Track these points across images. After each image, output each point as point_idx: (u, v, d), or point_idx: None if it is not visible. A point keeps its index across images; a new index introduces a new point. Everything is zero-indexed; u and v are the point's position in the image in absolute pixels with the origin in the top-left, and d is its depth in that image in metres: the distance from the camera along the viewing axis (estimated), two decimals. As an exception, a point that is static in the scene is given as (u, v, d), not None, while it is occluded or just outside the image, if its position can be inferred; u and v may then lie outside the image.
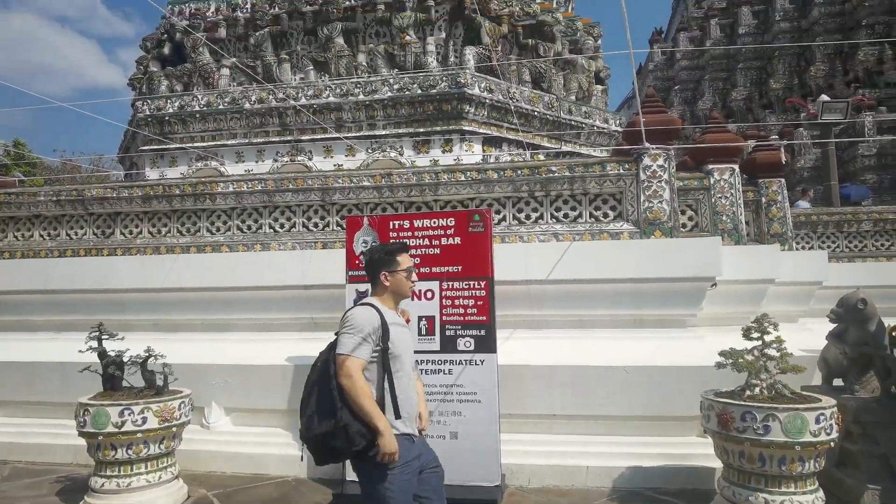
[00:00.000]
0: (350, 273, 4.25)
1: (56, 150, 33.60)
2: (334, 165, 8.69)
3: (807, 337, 4.30)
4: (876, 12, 19.32)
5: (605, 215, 4.93)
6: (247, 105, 8.95)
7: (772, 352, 3.28)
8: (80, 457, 4.37)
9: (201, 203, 5.52)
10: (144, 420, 3.65)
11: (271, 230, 5.42)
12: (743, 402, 3.17)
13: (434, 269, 4.06)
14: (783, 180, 6.17)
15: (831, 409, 3.12)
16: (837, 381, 3.90)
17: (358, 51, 9.23)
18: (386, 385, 2.51)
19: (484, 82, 8.53)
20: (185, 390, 3.99)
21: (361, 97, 8.65)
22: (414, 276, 2.75)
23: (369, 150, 8.74)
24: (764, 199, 6.03)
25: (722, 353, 3.36)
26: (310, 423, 2.44)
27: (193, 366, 4.51)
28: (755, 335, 3.33)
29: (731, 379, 3.42)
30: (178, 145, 9.20)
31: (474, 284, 4.00)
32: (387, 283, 2.66)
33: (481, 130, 8.60)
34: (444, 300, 4.02)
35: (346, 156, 8.82)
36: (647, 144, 4.76)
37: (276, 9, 9.44)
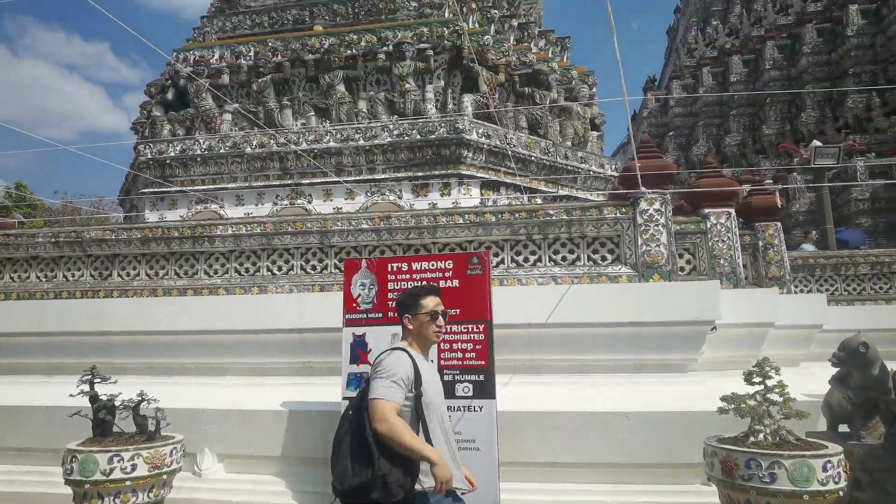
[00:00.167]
0: (347, 316, 4.21)
1: (57, 192, 33.85)
2: (334, 208, 8.75)
3: (809, 381, 4.26)
4: (861, 62, 19.91)
5: (604, 258, 4.94)
6: (248, 149, 9.08)
7: (774, 397, 3.24)
8: (67, 506, 4.23)
9: (200, 245, 5.52)
10: (134, 467, 3.55)
11: (269, 273, 5.42)
12: (747, 449, 3.11)
13: (432, 312, 4.03)
14: (779, 224, 6.22)
15: (838, 456, 3.05)
16: (843, 427, 3.84)
17: (359, 98, 9.43)
18: (421, 435, 2.38)
19: (482, 128, 8.68)
20: (177, 436, 3.89)
21: (362, 142, 8.78)
22: (440, 321, 2.64)
23: (368, 194, 8.82)
24: (761, 243, 6.06)
25: (724, 399, 3.31)
26: (343, 476, 2.30)
27: (186, 410, 4.42)
28: (757, 379, 3.29)
29: (734, 425, 3.35)
30: (178, 188, 9.27)
31: (473, 328, 3.96)
32: (410, 327, 2.59)
33: (479, 174, 8.70)
34: (442, 343, 3.97)
35: (345, 199, 8.89)
36: (643, 189, 4.81)
37: (279, 57, 9.68)
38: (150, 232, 5.64)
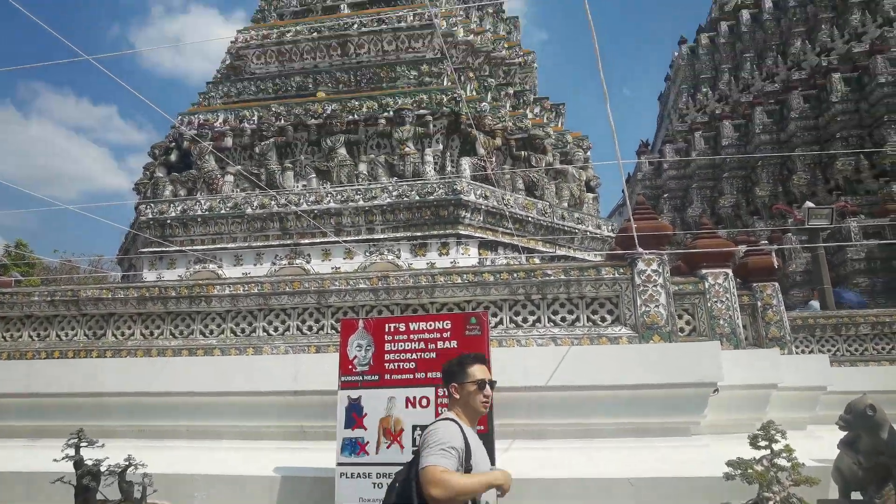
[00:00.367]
0: (343, 379, 4.14)
1: (56, 250, 34.01)
2: (332, 268, 8.77)
3: (817, 445, 4.15)
4: (847, 126, 20.51)
5: (603, 319, 4.91)
6: (248, 210, 9.19)
7: (782, 461, 3.15)
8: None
9: (196, 305, 5.49)
10: (117, 538, 3.40)
11: (265, 333, 5.36)
12: (757, 519, 2.99)
13: (430, 375, 3.96)
14: (777, 284, 6.22)
15: (852, 526, 2.93)
16: (855, 494, 3.70)
17: (359, 160, 9.63)
18: None
19: (479, 189, 8.83)
20: (164, 503, 3.74)
21: (361, 203, 8.90)
22: (487, 390, 2.55)
23: (367, 254, 8.87)
24: (759, 303, 6.05)
25: (730, 464, 3.21)
26: None
27: (176, 476, 4.28)
28: (763, 443, 3.21)
29: (741, 491, 3.24)
30: (177, 248, 9.32)
31: (471, 390, 3.88)
32: (457, 396, 2.50)
33: (477, 234, 8.78)
34: (439, 408, 3.88)
35: (343, 259, 8.93)
36: (640, 249, 4.84)
37: (283, 121, 9.95)
38: (147, 291, 5.62)
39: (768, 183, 22.06)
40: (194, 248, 9.28)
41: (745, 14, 27.57)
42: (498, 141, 9.83)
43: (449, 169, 9.46)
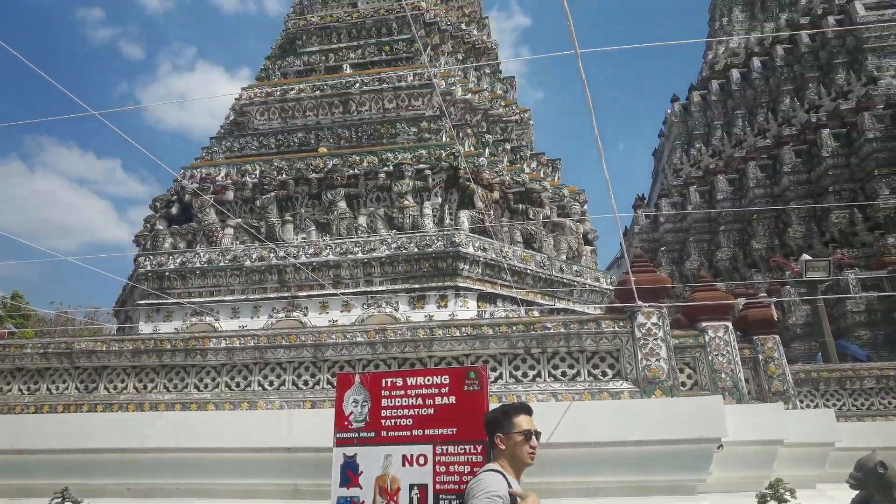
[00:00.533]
0: (338, 435, 4.03)
1: (53, 302, 33.80)
2: (329, 321, 8.70)
3: (828, 506, 4.01)
4: (839, 180, 20.88)
5: (604, 374, 4.84)
6: (247, 262, 9.20)
7: (793, 524, 3.03)
8: None
9: (191, 358, 5.42)
10: None
11: (260, 387, 5.27)
12: (770, 586, 2.86)
13: (427, 432, 3.86)
14: (778, 337, 6.17)
15: None
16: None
17: (359, 213, 9.73)
18: None
19: (478, 241, 8.88)
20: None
21: (360, 255, 8.93)
22: (534, 441, 2.49)
23: (365, 306, 8.83)
24: (761, 356, 5.98)
25: (739, 526, 3.09)
26: None
27: (161, 540, 4.11)
28: (772, 503, 3.10)
29: (753, 557, 3.11)
30: (174, 300, 9.27)
31: (470, 449, 3.77)
32: (502, 447, 2.44)
33: (476, 287, 8.77)
34: (437, 466, 3.77)
35: (341, 311, 8.88)
36: (639, 302, 4.83)
37: (284, 175, 10.10)
38: (143, 343, 5.55)
39: (764, 236, 22.27)
40: (192, 300, 9.24)
41: (735, 73, 28.53)
42: (496, 194, 9.97)
43: (448, 222, 9.54)
